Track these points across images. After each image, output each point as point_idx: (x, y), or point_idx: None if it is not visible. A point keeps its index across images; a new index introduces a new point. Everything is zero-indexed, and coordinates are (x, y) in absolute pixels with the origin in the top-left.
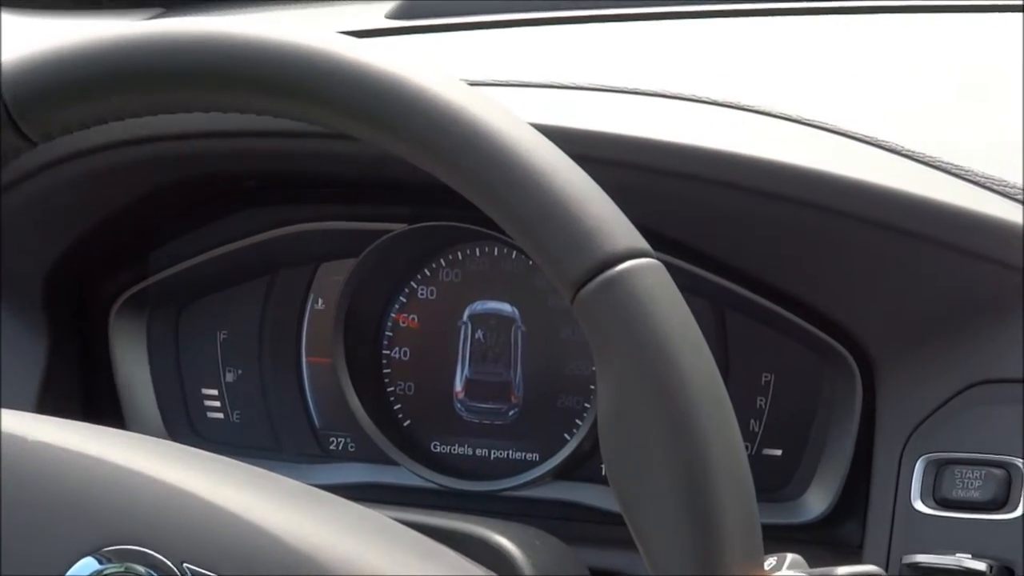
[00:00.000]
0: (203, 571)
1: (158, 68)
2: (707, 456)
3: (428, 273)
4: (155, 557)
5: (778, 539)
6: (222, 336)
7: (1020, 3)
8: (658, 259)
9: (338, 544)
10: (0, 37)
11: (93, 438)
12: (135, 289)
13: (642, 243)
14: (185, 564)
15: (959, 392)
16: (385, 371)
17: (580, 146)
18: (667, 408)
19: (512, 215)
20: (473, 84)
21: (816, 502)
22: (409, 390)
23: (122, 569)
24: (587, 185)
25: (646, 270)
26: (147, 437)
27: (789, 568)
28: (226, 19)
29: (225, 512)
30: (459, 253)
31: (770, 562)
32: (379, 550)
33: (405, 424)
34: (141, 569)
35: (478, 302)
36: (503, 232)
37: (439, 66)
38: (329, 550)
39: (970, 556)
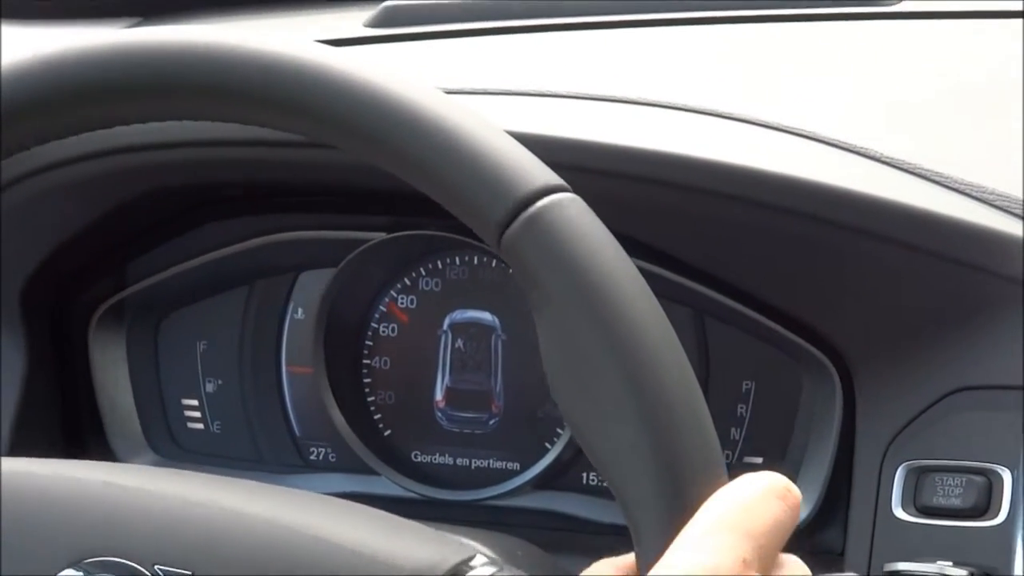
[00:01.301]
0: (175, 570)
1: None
2: (657, 379)
3: (408, 282)
4: (126, 564)
5: None
6: (202, 346)
7: (1020, 9)
8: (577, 195)
9: (308, 525)
10: None
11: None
12: (114, 300)
13: (558, 179)
14: (156, 566)
15: (939, 399)
16: (365, 380)
17: (559, 154)
18: (608, 333)
19: (428, 174)
20: (451, 92)
21: None
22: (389, 399)
23: None
24: (496, 133)
25: (567, 203)
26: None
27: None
28: (201, 28)
29: (192, 511)
30: (439, 262)
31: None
32: (350, 528)
33: (386, 434)
34: None
35: (458, 311)
36: (482, 241)
37: (348, 50)
38: (300, 531)
39: (951, 563)
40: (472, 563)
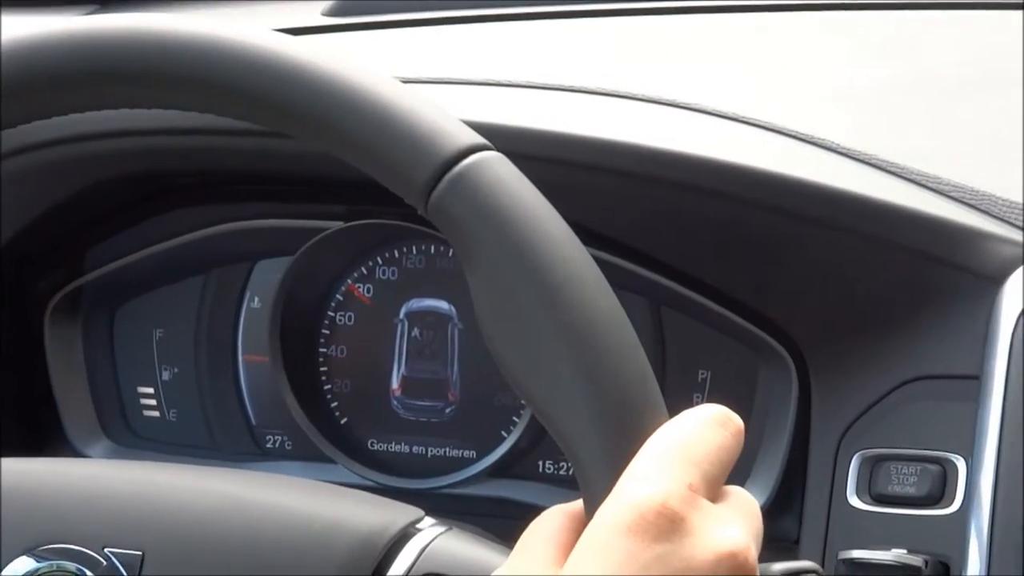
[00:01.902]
0: (126, 551)
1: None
2: (591, 321)
3: (364, 271)
4: (76, 550)
5: None
6: (158, 334)
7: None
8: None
9: (257, 497)
10: None
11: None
12: (70, 287)
13: (480, 139)
14: (106, 549)
15: (894, 388)
16: (322, 369)
17: (516, 143)
18: (541, 280)
19: (350, 142)
20: (408, 81)
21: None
22: (346, 388)
23: (54, 567)
24: (416, 97)
25: (491, 161)
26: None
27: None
28: (157, 16)
29: (140, 495)
30: (395, 251)
31: None
32: (299, 498)
33: (342, 422)
34: (70, 565)
35: (414, 300)
36: (438, 230)
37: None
38: (250, 503)
39: (906, 551)
40: (420, 524)
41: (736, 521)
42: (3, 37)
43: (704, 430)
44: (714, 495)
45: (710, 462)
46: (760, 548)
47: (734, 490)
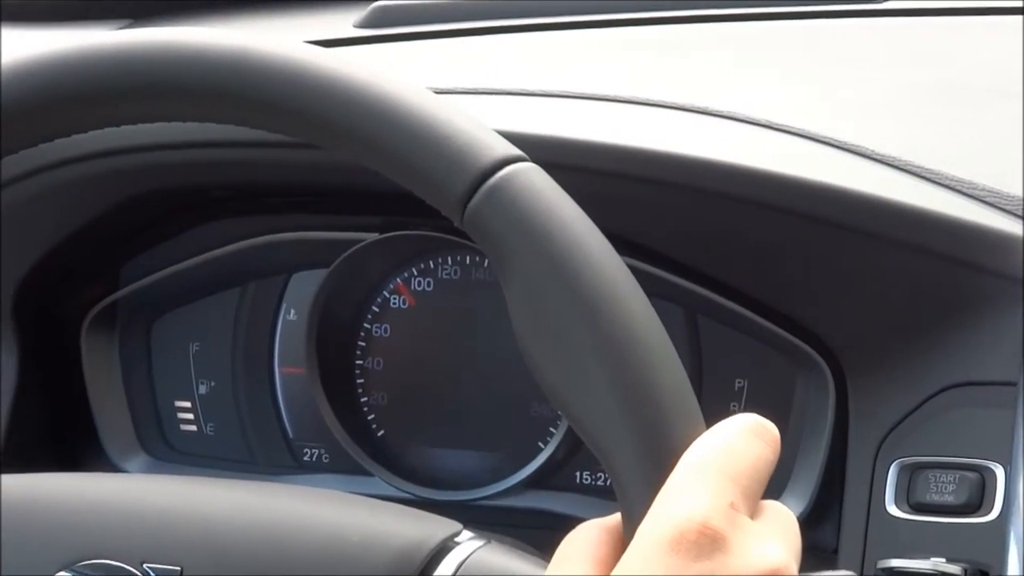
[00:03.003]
0: (164, 567)
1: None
2: (629, 333)
3: (400, 282)
4: (115, 566)
5: None
6: (194, 348)
7: (1019, 5)
8: (538, 165)
9: (294, 513)
10: None
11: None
12: (106, 302)
13: (516, 150)
14: (145, 564)
15: (932, 396)
16: (359, 381)
17: (551, 153)
18: (578, 291)
19: (387, 155)
20: (442, 92)
21: (790, 506)
22: (382, 400)
23: None
24: (451, 109)
25: (527, 172)
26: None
27: None
28: (190, 30)
29: (178, 510)
30: (431, 262)
31: None
32: (336, 513)
33: (379, 434)
34: None
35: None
36: (474, 241)
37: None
38: (287, 519)
39: (944, 560)
40: (458, 538)
41: (776, 538)
42: (37, 52)
43: (742, 442)
44: (753, 510)
45: (748, 476)
46: (799, 563)
47: (772, 505)
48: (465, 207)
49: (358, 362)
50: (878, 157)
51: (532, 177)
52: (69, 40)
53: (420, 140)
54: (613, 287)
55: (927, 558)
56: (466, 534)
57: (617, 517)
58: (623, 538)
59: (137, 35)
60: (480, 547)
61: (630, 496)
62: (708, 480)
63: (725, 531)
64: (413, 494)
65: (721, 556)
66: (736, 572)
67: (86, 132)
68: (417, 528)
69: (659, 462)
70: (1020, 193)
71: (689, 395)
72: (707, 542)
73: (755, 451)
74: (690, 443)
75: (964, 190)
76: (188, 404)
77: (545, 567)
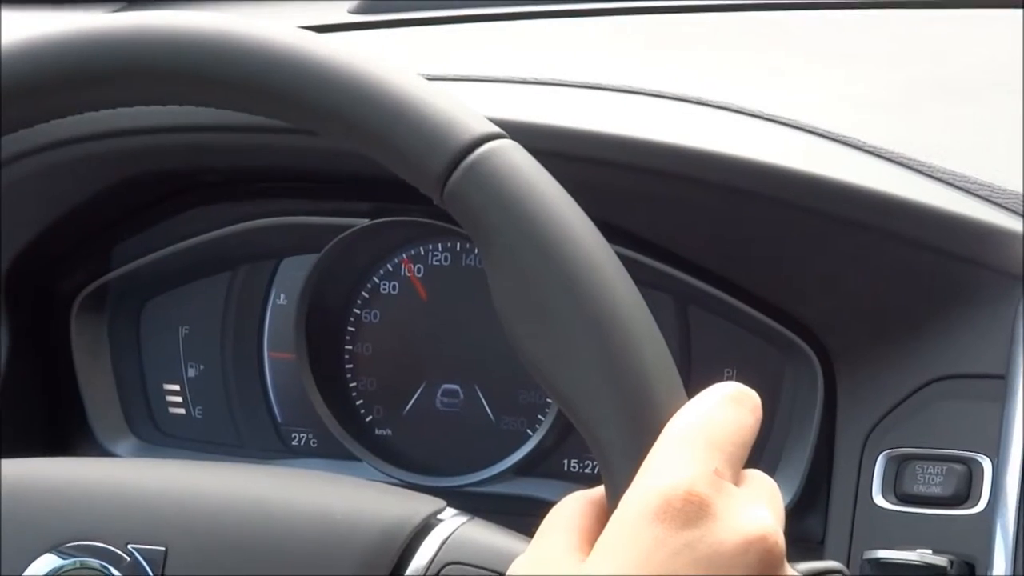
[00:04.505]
0: (149, 547)
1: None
2: (610, 306)
3: (390, 268)
4: (100, 547)
5: None
6: (184, 331)
7: None
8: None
9: (279, 493)
10: None
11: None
12: (96, 284)
13: (494, 127)
14: (129, 545)
15: (920, 388)
16: (347, 366)
17: (541, 141)
18: (559, 265)
19: (365, 133)
20: (434, 78)
21: None
22: (371, 385)
23: (78, 564)
24: (429, 87)
25: (506, 149)
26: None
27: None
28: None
29: (162, 491)
30: (421, 248)
31: None
32: (320, 493)
33: (367, 419)
34: (94, 562)
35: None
36: (454, 218)
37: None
38: (271, 499)
39: (931, 551)
40: (442, 515)
41: (761, 504)
42: (29, 34)
43: (723, 410)
44: (737, 477)
45: (732, 443)
46: (784, 528)
47: (754, 473)
48: (445, 184)
49: (347, 347)
50: (870, 149)
51: (511, 154)
52: (59, 23)
53: (399, 118)
54: (594, 261)
55: (914, 549)
56: (449, 511)
57: (601, 490)
58: (608, 509)
59: (118, 19)
60: (463, 523)
61: (614, 468)
62: (692, 448)
63: (710, 498)
64: (401, 479)
65: (707, 523)
66: (723, 538)
67: (67, 117)
68: (401, 506)
69: (642, 433)
70: (1019, 189)
71: (671, 366)
72: (693, 509)
73: (737, 418)
74: (673, 414)
75: (960, 184)
76: (177, 387)
77: (528, 544)
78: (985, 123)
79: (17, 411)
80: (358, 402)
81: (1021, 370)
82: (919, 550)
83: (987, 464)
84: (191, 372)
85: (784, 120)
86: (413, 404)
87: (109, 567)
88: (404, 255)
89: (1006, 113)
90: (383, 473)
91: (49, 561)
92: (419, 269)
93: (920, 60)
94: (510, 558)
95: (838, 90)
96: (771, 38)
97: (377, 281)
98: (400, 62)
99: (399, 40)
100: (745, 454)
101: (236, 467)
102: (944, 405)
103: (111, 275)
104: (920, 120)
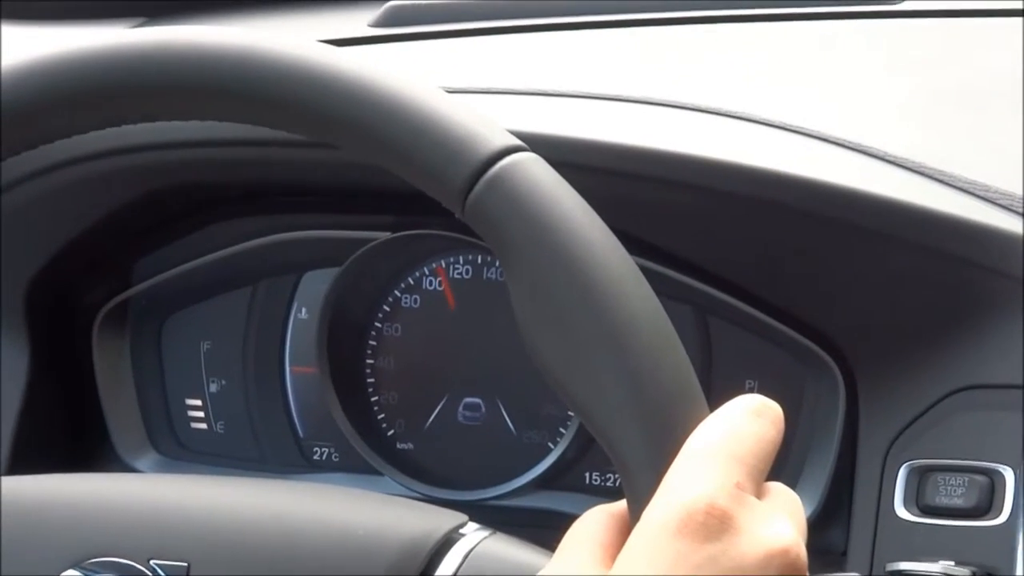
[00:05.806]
0: (171, 563)
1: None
2: (632, 320)
3: (412, 282)
4: (123, 563)
5: None
6: (205, 346)
7: (1020, 7)
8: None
9: (300, 509)
10: None
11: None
12: (118, 300)
13: (516, 140)
14: (152, 561)
15: (942, 399)
16: (369, 380)
17: (562, 153)
18: (581, 278)
19: (389, 149)
20: (455, 92)
21: None
22: (393, 400)
23: None
24: (450, 101)
25: (528, 162)
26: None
27: None
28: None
29: (185, 508)
30: (442, 261)
31: None
32: (341, 508)
33: (389, 434)
34: None
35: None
36: (476, 232)
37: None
38: (292, 514)
39: (953, 563)
40: (463, 530)
41: (783, 517)
42: (53, 50)
43: (746, 423)
44: (759, 490)
45: (754, 456)
46: (806, 542)
47: (776, 486)
48: (466, 198)
49: (369, 361)
50: (889, 158)
51: (532, 166)
52: (76, 39)
53: (420, 132)
54: (614, 274)
55: (936, 561)
56: (472, 525)
57: (623, 504)
58: (630, 523)
59: (146, 34)
60: (485, 538)
61: (636, 482)
62: (713, 462)
63: (732, 511)
64: (422, 493)
65: (729, 537)
66: (745, 551)
67: (86, 133)
68: (422, 520)
69: (664, 446)
70: None
71: (692, 379)
72: (715, 523)
73: (759, 431)
74: (694, 427)
75: (976, 191)
76: (199, 402)
77: (550, 559)
78: (1000, 131)
79: (39, 427)
80: (380, 416)
81: None
82: (942, 562)
83: (1009, 475)
84: (213, 387)
85: (803, 130)
86: (435, 418)
87: None
88: (433, 265)
89: (1017, 120)
90: (405, 487)
91: None
92: (441, 282)
93: (936, 68)
94: (532, 572)
95: (856, 100)
96: (788, 49)
97: (399, 295)
98: (421, 76)
99: (419, 54)
100: (767, 467)
101: (258, 482)
102: (966, 416)
103: (133, 290)
104: (934, 129)
